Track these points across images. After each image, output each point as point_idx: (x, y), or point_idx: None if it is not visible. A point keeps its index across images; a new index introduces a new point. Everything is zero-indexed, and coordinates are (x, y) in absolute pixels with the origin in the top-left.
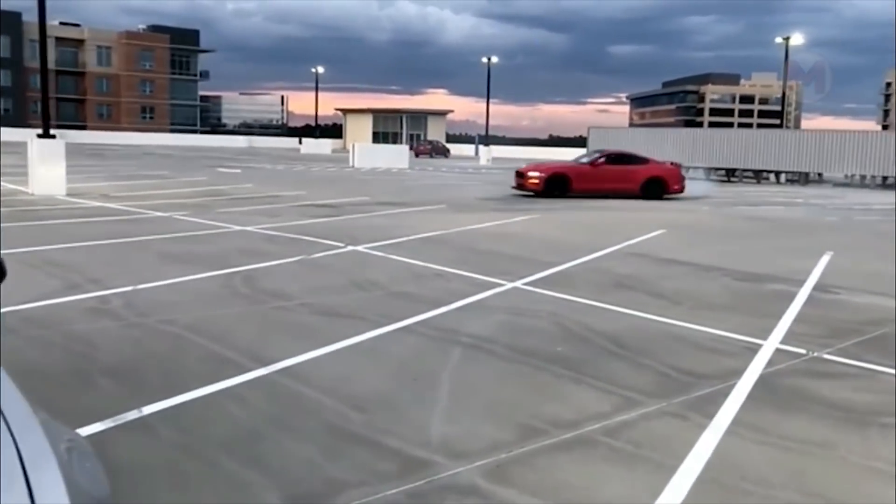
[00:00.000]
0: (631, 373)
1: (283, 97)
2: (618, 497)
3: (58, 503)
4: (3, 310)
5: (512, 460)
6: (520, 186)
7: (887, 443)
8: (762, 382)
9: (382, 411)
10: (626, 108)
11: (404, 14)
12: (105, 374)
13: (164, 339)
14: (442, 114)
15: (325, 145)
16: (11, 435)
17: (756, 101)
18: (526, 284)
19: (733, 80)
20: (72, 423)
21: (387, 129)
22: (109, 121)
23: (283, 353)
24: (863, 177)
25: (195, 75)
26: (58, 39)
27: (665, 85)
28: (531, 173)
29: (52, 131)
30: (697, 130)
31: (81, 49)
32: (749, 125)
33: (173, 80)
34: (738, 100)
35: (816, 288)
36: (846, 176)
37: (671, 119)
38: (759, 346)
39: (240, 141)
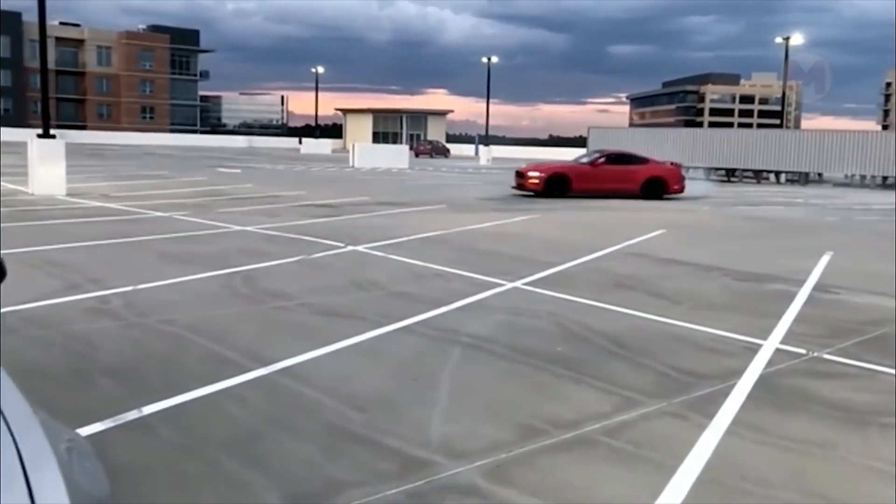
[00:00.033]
0: (631, 373)
1: (283, 97)
2: (618, 497)
3: (58, 503)
4: (3, 310)
5: (512, 460)
6: (520, 186)
7: (887, 443)
8: (762, 382)
9: (382, 411)
10: (626, 109)
11: (404, 14)
12: (105, 374)
13: (164, 339)
14: (442, 114)
15: (325, 145)
16: (11, 435)
17: (756, 101)
18: (526, 284)
19: (733, 80)
20: (72, 424)
21: (387, 129)
22: (109, 121)
23: (283, 353)
24: (863, 177)
25: (195, 75)
26: (58, 39)
27: (665, 85)
28: (531, 173)
29: (52, 131)
30: (697, 130)
31: (81, 49)
32: (749, 125)
33: (173, 80)
34: (738, 100)
35: (816, 288)
36: (846, 176)
37: (671, 119)
38: (759, 346)
39: (240, 141)
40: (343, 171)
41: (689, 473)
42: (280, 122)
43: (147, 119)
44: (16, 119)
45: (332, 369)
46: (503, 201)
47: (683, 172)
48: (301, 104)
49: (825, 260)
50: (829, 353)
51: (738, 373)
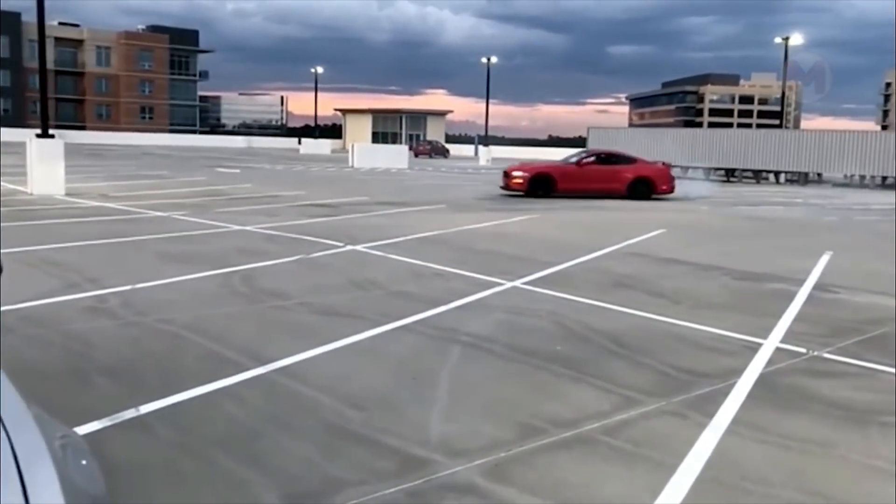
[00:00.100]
0: (630, 372)
1: (282, 97)
2: (617, 496)
3: (52, 501)
4: (1, 308)
5: (511, 459)
6: (506, 187)
7: (887, 442)
8: (762, 381)
9: (381, 410)
10: (626, 109)
11: (404, 14)
12: (103, 373)
13: (162, 338)
14: (441, 114)
15: (324, 145)
16: (6, 432)
17: (755, 101)
18: (525, 284)
19: (733, 80)
20: (69, 422)
21: (386, 129)
22: (108, 121)
23: (282, 352)
24: (862, 177)
25: (194, 75)
26: (57, 39)
27: (664, 85)
28: (515, 173)
29: (50, 131)
30: (697, 130)
31: (80, 49)
32: (748, 125)
33: (172, 81)
34: (737, 100)
35: (816, 287)
36: (845, 176)
37: (671, 119)
38: (759, 345)
39: (239, 141)
40: (342, 171)
41: (689, 472)
42: (279, 123)
43: (146, 119)
44: (15, 119)
45: (330, 368)
46: (502, 201)
47: (682, 173)
48: (300, 104)
49: (825, 259)
50: (829, 352)
51: (737, 372)
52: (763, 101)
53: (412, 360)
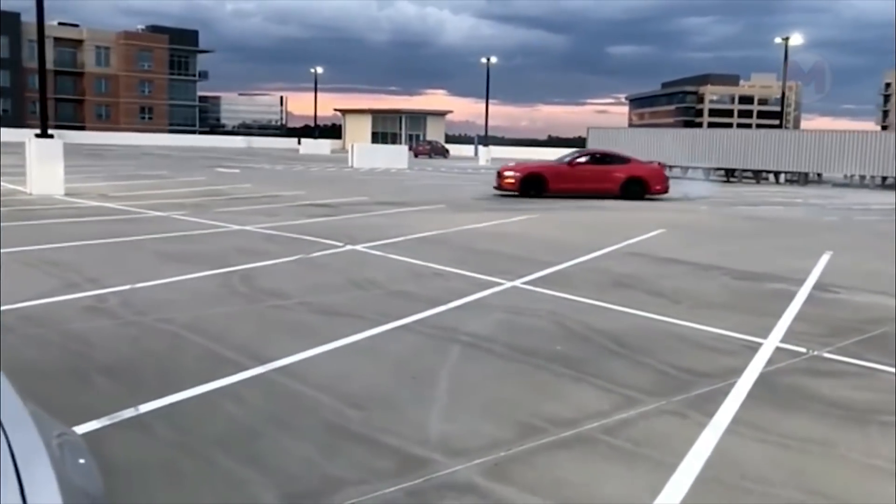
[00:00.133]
0: (630, 371)
1: (282, 98)
2: (617, 495)
3: (49, 500)
4: (0, 308)
5: (510, 458)
6: (499, 186)
7: (887, 441)
8: (762, 381)
9: (381, 409)
10: (626, 109)
11: (403, 15)
12: (102, 373)
13: (162, 338)
14: (441, 114)
15: (323, 146)
16: (3, 431)
17: (755, 101)
18: (525, 283)
19: (732, 80)
20: (68, 421)
21: (386, 129)
22: (108, 121)
23: (281, 351)
24: (862, 177)
25: (194, 76)
26: (56, 40)
27: (664, 86)
28: (507, 173)
29: (50, 131)
30: (697, 131)
31: (80, 49)
32: (748, 126)
33: (172, 81)
34: (737, 100)
35: (816, 287)
36: (845, 176)
37: (670, 120)
38: (759, 344)
39: (238, 141)
40: (342, 171)
41: (689, 472)
42: (279, 123)
43: (146, 119)
44: (14, 119)
45: (330, 368)
46: (501, 201)
47: (682, 173)
48: (300, 105)
49: (825, 259)
50: (829, 352)
51: (737, 371)
52: (763, 102)
53: (412, 360)
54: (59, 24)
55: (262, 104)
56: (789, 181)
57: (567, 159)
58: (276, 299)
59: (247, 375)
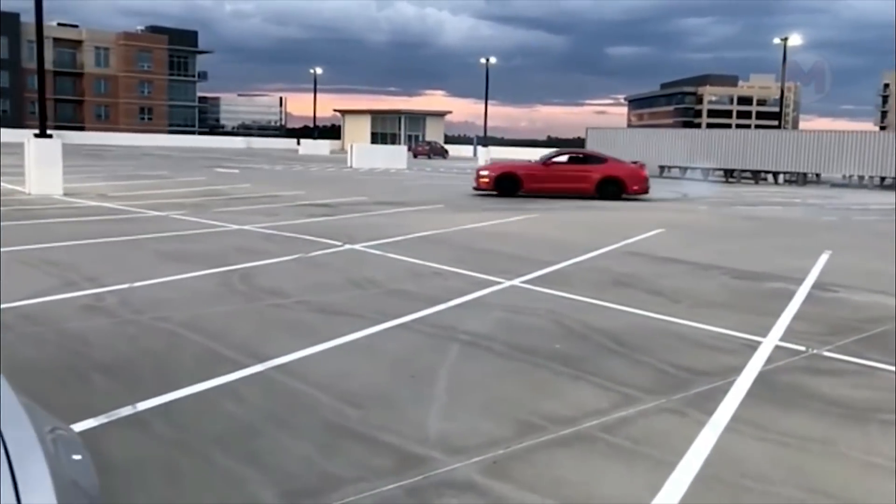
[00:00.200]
0: (629, 370)
1: (281, 98)
2: (616, 493)
3: (44, 496)
4: None
5: (509, 456)
6: (476, 186)
7: (887, 439)
8: (761, 379)
9: (379, 408)
10: (625, 110)
11: (403, 15)
12: (100, 371)
13: (160, 336)
14: (440, 115)
15: (323, 146)
16: None
17: (754, 102)
18: (524, 283)
19: (731, 81)
20: (65, 419)
21: (385, 130)
22: (107, 122)
23: (280, 349)
24: (861, 177)
25: (193, 76)
26: (56, 40)
27: (663, 86)
28: (482, 172)
29: (49, 132)
30: (695, 131)
31: (79, 50)
32: (747, 126)
33: (171, 82)
34: (736, 101)
35: (815, 286)
36: (844, 176)
37: (669, 120)
38: (759, 343)
39: (238, 142)
40: (341, 171)
41: (689, 470)
42: (278, 124)
43: (145, 120)
44: (14, 120)
45: (329, 366)
46: (501, 201)
47: (681, 173)
48: (299, 105)
49: (824, 259)
50: (828, 351)
51: (737, 370)
52: (762, 102)
53: (411, 358)
54: (59, 24)
55: (262, 105)
56: (788, 181)
57: (543, 159)
58: (275, 298)
59: (245, 374)
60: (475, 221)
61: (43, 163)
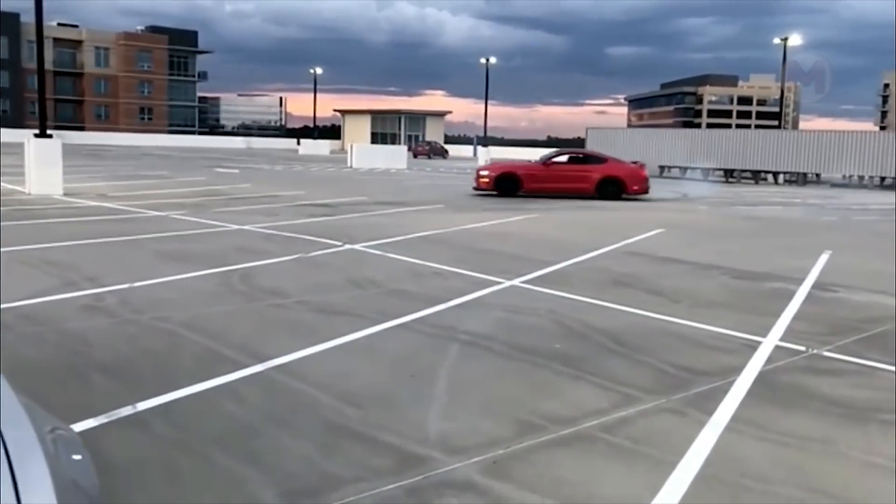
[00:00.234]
0: (629, 370)
1: (281, 98)
2: (616, 493)
3: (44, 496)
4: None
5: (509, 456)
6: (476, 186)
7: (887, 439)
8: (761, 379)
9: (379, 407)
10: (625, 110)
11: (402, 15)
12: (99, 371)
13: (160, 336)
14: (440, 115)
15: (323, 146)
16: None
17: (754, 102)
18: (524, 283)
19: (731, 81)
20: (65, 419)
21: (385, 130)
22: (107, 122)
23: (280, 349)
24: (861, 177)
25: (193, 76)
26: (56, 40)
27: (663, 86)
28: (482, 172)
29: (49, 132)
30: (695, 131)
31: (79, 50)
32: (747, 126)
33: (171, 82)
34: (736, 101)
35: (815, 286)
36: (844, 176)
37: (669, 120)
38: (759, 343)
39: (238, 142)
40: (341, 171)
41: (689, 469)
42: (278, 124)
43: (145, 120)
44: (14, 120)
45: (328, 366)
46: (501, 201)
47: (681, 173)
48: (299, 105)
49: (824, 259)
50: (828, 351)
51: (737, 370)
52: (761, 102)
53: (410, 358)
54: (59, 24)
55: (262, 105)
56: (788, 181)
57: (543, 159)
58: (275, 298)
59: (245, 373)
60: (475, 221)
61: (43, 163)
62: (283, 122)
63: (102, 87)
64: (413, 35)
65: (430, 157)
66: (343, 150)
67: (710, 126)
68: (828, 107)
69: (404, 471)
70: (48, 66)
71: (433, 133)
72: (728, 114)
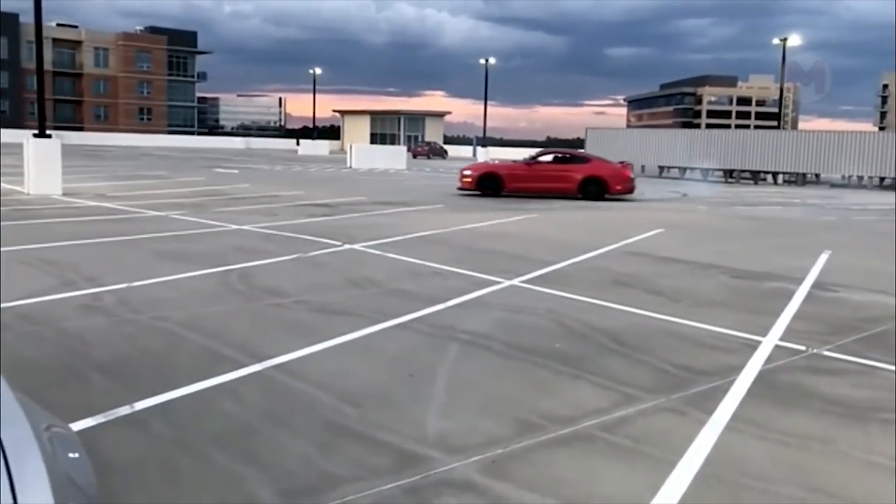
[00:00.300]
0: (629, 369)
1: (280, 99)
2: (616, 492)
3: (40, 494)
4: None
5: (508, 455)
6: (461, 186)
7: (887, 438)
8: (761, 378)
9: (378, 407)
10: (624, 111)
11: (402, 16)
12: (98, 370)
13: (158, 336)
14: (440, 115)
15: (322, 147)
16: None
17: (753, 102)
18: (524, 282)
19: (730, 82)
20: (63, 419)
21: (384, 130)
22: (107, 122)
23: (279, 349)
24: (860, 178)
25: (193, 77)
26: (55, 41)
27: (662, 87)
28: (465, 172)
29: (48, 132)
30: (695, 131)
31: (79, 50)
32: (746, 127)
33: (171, 82)
34: (735, 102)
35: (815, 286)
36: (843, 177)
37: (669, 121)
38: (758, 342)
39: (237, 142)
40: (340, 171)
41: (689, 469)
42: (277, 124)
43: (144, 120)
44: (13, 120)
45: (327, 365)
46: (500, 201)
47: (681, 174)
48: (299, 106)
49: (823, 258)
50: (828, 350)
51: (736, 369)
52: (761, 103)
53: (410, 358)
54: (58, 25)
55: (261, 105)
56: (787, 182)
57: (527, 159)
58: (274, 297)
59: (244, 373)
60: (474, 221)
61: (42, 163)
62: (282, 123)
63: (102, 88)
64: (412, 36)
65: (429, 158)
66: (342, 150)
67: (709, 126)
68: (827, 107)
69: (403, 470)
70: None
71: (432, 133)
72: (727, 114)
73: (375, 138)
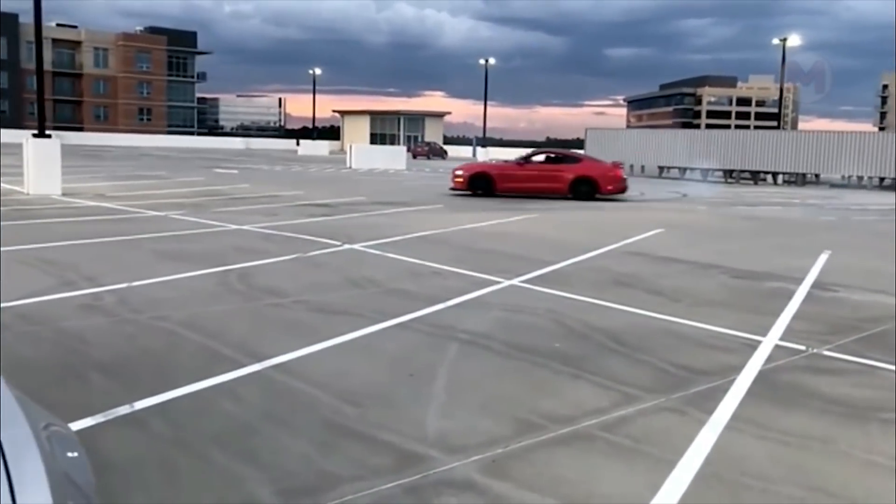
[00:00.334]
0: (629, 369)
1: (280, 99)
2: (616, 491)
3: (39, 493)
4: None
5: (508, 455)
6: (453, 186)
7: (887, 438)
8: (761, 378)
9: (378, 406)
10: (624, 111)
11: (402, 16)
12: (97, 370)
13: (158, 335)
14: (439, 115)
15: (322, 147)
16: None
17: (753, 103)
18: (523, 282)
19: (730, 82)
20: (63, 418)
21: (384, 130)
22: (106, 122)
23: (279, 349)
24: (860, 178)
25: (192, 77)
26: (55, 41)
27: (662, 87)
28: (457, 172)
29: (48, 132)
30: (694, 132)
31: (78, 51)
32: (746, 127)
33: (170, 82)
34: (734, 102)
35: (815, 286)
36: (843, 177)
37: (668, 121)
38: (758, 342)
39: (237, 143)
40: (340, 171)
41: (689, 468)
42: (277, 124)
43: (144, 121)
44: (13, 121)
45: (327, 365)
46: (499, 201)
47: (680, 174)
48: (298, 106)
49: (823, 258)
50: (828, 350)
51: (736, 369)
52: (760, 103)
53: (409, 357)
54: (58, 25)
55: (261, 105)
56: (787, 182)
57: (519, 159)
58: (274, 297)
59: (243, 372)
60: (474, 221)
61: (41, 163)
62: (282, 123)
63: (101, 88)
64: (412, 36)
65: (429, 158)
66: (342, 150)
67: (709, 127)
68: (827, 108)
69: (403, 469)
70: (47, 66)
71: (432, 134)
72: (727, 114)
73: (375, 138)
